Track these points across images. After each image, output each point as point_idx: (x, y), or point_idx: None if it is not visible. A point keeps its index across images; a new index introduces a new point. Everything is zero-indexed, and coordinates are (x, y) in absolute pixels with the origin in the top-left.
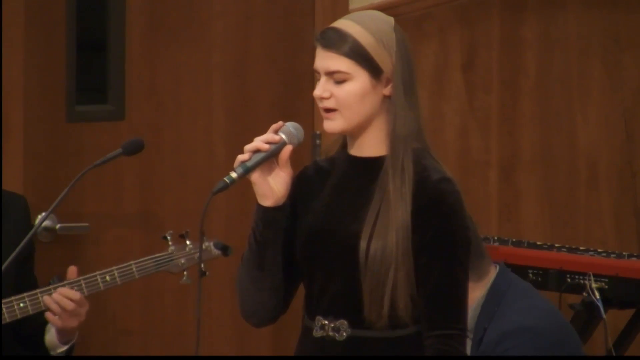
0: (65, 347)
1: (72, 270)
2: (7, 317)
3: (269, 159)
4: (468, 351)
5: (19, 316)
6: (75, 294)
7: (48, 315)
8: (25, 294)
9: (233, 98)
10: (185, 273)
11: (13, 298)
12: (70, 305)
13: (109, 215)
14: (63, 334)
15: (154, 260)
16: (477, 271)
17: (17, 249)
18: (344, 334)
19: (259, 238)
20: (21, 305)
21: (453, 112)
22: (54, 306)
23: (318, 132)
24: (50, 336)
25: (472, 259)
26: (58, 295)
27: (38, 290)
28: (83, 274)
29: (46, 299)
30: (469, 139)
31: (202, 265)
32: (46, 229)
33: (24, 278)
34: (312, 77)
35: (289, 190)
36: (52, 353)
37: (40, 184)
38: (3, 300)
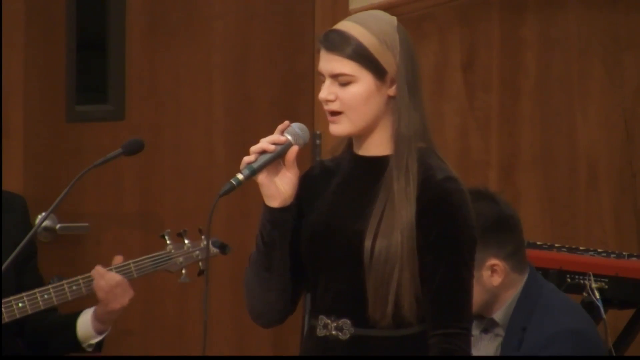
0: (99, 338)
1: (117, 259)
2: (5, 317)
3: (275, 159)
4: (495, 348)
5: (17, 316)
6: (116, 276)
7: (95, 288)
8: (24, 294)
9: (233, 98)
10: (183, 272)
11: (12, 298)
12: (114, 279)
13: (109, 215)
14: (102, 320)
15: (152, 259)
16: (521, 265)
17: (17, 249)
18: (347, 333)
19: (266, 239)
20: (20, 305)
21: (453, 112)
22: (102, 282)
23: (318, 132)
24: (85, 327)
25: (519, 248)
26: (105, 272)
27: (37, 290)
28: (83, 274)
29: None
30: (469, 139)
31: (205, 266)
32: (46, 229)
33: (28, 277)
34: (312, 78)
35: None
36: (84, 345)
37: (40, 184)
38: (2, 301)
